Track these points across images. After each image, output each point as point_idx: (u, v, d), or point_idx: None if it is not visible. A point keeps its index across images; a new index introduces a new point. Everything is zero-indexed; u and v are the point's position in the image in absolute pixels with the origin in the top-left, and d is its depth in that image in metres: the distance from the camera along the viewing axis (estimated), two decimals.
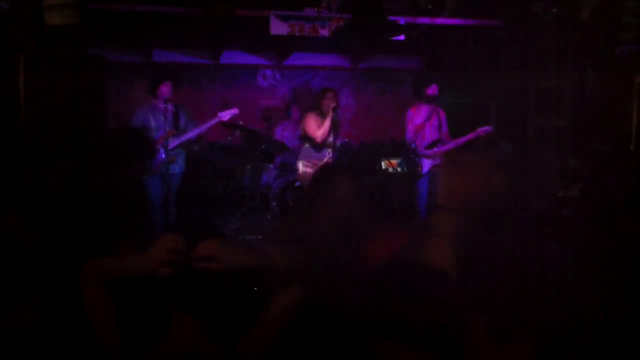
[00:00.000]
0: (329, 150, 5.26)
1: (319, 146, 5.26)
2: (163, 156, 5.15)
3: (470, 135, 6.02)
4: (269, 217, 6.70)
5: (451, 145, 5.98)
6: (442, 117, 6.05)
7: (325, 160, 5.34)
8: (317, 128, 5.18)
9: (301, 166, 5.40)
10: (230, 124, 5.95)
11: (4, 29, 5.18)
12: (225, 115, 5.44)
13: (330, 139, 5.12)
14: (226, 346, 1.45)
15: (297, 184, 6.67)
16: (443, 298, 1.26)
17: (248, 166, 6.92)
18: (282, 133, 7.44)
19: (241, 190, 7.02)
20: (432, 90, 5.88)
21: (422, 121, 5.97)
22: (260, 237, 6.13)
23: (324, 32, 5.68)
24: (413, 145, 6.01)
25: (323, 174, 2.38)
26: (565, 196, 4.81)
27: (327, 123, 5.08)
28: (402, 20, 5.59)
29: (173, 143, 5.22)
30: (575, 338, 1.58)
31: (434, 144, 5.98)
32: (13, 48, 5.39)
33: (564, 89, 6.91)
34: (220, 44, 7.55)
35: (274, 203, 6.62)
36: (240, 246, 1.65)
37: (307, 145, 5.39)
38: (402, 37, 5.78)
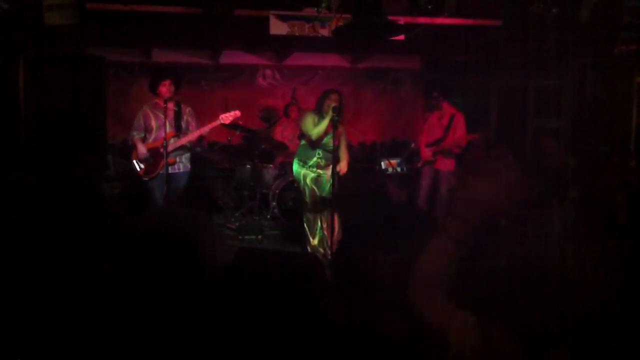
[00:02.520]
0: (321, 150, 5.25)
1: (314, 145, 5.26)
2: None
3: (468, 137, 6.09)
4: (268, 217, 6.70)
5: (447, 144, 6.02)
6: (457, 120, 6.07)
7: (315, 159, 5.31)
8: (313, 127, 5.18)
9: (295, 164, 5.42)
10: (230, 124, 5.93)
11: (4, 29, 5.17)
12: (227, 117, 5.41)
13: (330, 140, 5.10)
14: None
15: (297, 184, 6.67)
16: None
17: (248, 166, 6.91)
18: (282, 133, 7.43)
19: (241, 190, 7.02)
20: (435, 97, 6.08)
21: (433, 121, 6.18)
22: (259, 237, 6.15)
23: (324, 32, 5.67)
24: (412, 144, 6.12)
25: None
26: (565, 196, 4.81)
27: (325, 123, 5.07)
28: (402, 20, 5.59)
29: (174, 145, 5.20)
30: (579, 340, 1.57)
31: (435, 142, 6.05)
32: (13, 48, 5.39)
33: (564, 89, 6.91)
34: (220, 44, 7.55)
35: (274, 203, 6.62)
36: None
37: (303, 144, 5.39)
38: (402, 37, 5.78)
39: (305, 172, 5.31)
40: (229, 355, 1.50)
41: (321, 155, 5.25)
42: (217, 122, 5.36)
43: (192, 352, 1.54)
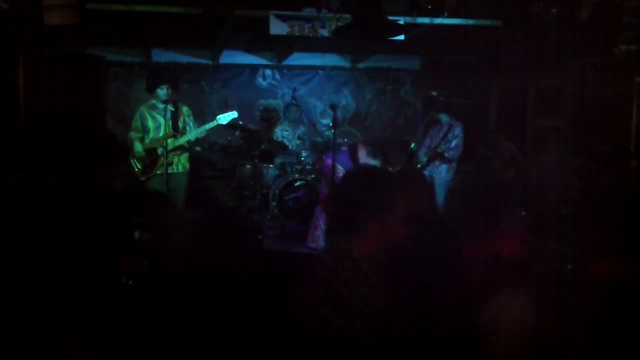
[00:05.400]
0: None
1: None
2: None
3: None
4: (268, 217, 6.70)
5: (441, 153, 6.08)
6: (454, 130, 6.11)
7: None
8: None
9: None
10: (230, 124, 5.95)
11: (4, 29, 5.17)
12: (224, 118, 5.47)
13: None
14: None
15: (297, 183, 6.68)
16: None
17: (248, 166, 6.91)
18: (282, 133, 7.44)
19: (241, 190, 7.02)
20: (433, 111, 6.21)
21: (432, 132, 6.34)
22: (260, 237, 6.15)
23: (324, 32, 5.67)
24: (412, 145, 6.15)
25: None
26: (565, 196, 4.81)
27: None
28: (402, 20, 5.59)
29: (172, 146, 5.21)
30: (575, 338, 1.58)
31: (432, 150, 6.12)
32: (13, 48, 5.38)
33: (564, 89, 6.91)
34: (219, 44, 7.55)
35: (273, 203, 6.62)
36: None
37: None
38: (402, 37, 5.78)
39: None
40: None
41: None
42: (214, 123, 5.42)
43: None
